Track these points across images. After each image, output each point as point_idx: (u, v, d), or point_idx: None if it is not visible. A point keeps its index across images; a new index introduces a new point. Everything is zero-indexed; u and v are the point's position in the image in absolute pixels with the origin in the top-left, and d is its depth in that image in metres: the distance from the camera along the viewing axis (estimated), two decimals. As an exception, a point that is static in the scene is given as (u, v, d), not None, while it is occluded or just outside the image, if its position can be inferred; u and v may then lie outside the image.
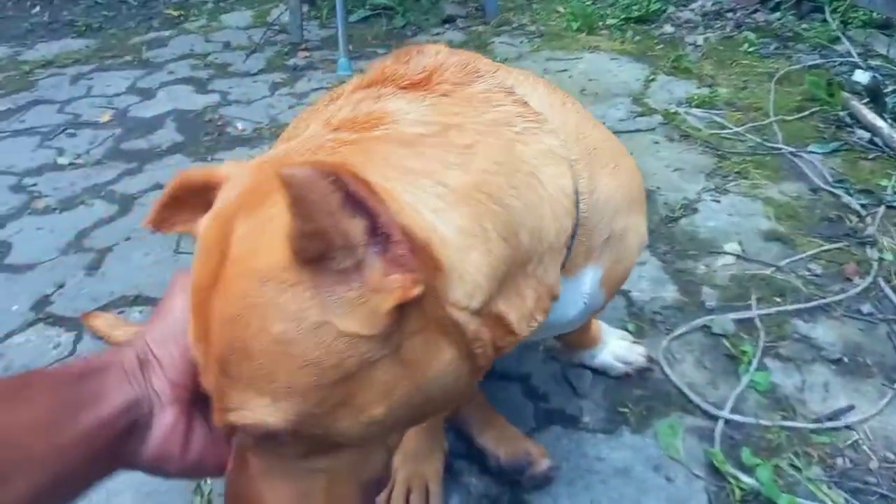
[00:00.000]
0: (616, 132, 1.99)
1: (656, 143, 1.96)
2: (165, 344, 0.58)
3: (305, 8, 3.34)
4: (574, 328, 0.87)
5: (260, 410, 0.49)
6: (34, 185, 2.06)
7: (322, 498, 0.56)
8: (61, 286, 1.58)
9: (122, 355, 0.58)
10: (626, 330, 1.30)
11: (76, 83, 2.90)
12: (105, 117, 2.52)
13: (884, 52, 2.36)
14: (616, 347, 1.22)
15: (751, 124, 2.01)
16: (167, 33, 3.43)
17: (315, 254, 0.44)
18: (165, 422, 0.57)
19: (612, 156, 0.73)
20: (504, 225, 0.55)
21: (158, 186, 1.99)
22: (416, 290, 0.46)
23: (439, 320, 0.51)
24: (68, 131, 2.42)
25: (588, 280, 0.73)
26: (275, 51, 3.06)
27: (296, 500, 0.56)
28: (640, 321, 1.32)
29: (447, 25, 3.17)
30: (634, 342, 1.24)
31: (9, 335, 1.44)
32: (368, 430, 0.52)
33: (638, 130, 2.03)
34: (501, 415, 1.11)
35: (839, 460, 1.04)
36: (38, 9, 4.00)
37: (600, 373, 1.22)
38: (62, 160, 2.20)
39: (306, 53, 2.99)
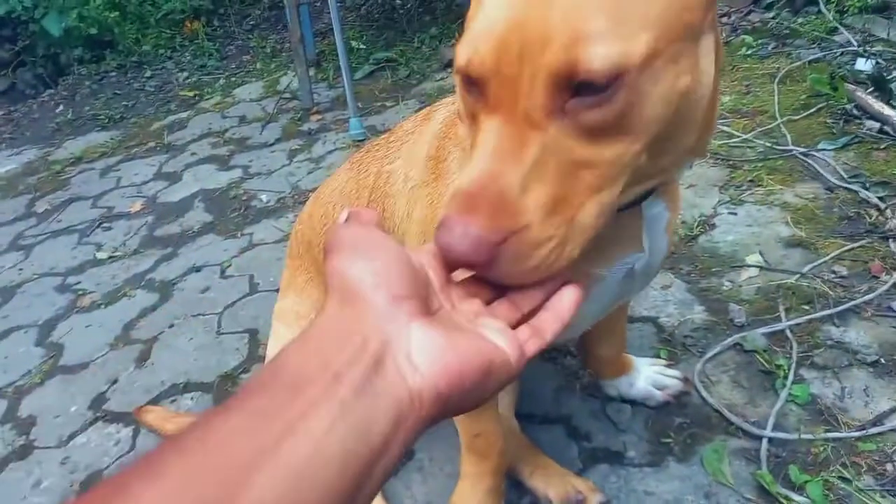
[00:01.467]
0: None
1: (667, 161, 1.98)
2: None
3: (312, 71, 3.46)
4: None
5: (618, 43, 0.48)
6: (78, 283, 2.17)
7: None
8: (115, 382, 1.66)
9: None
10: (658, 356, 1.32)
11: (105, 176, 3.04)
12: (136, 207, 2.64)
13: (884, 35, 2.36)
14: (651, 373, 1.24)
15: (758, 129, 2.02)
16: (185, 115, 3.58)
17: None
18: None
19: None
20: None
21: (195, 269, 2.07)
22: None
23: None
24: (104, 225, 2.54)
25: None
26: (288, 118, 3.17)
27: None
28: (671, 347, 1.34)
29: (449, 70, 3.25)
30: (667, 366, 1.26)
31: (71, 437, 1.52)
32: (653, 123, 0.53)
33: (647, 151, 2.06)
34: (547, 456, 1.14)
35: (889, 466, 1.04)
36: (61, 107, 4.21)
37: (639, 404, 1.24)
38: (101, 254, 2.31)
39: (319, 116, 3.10)
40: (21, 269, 2.33)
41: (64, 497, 1.37)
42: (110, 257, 2.28)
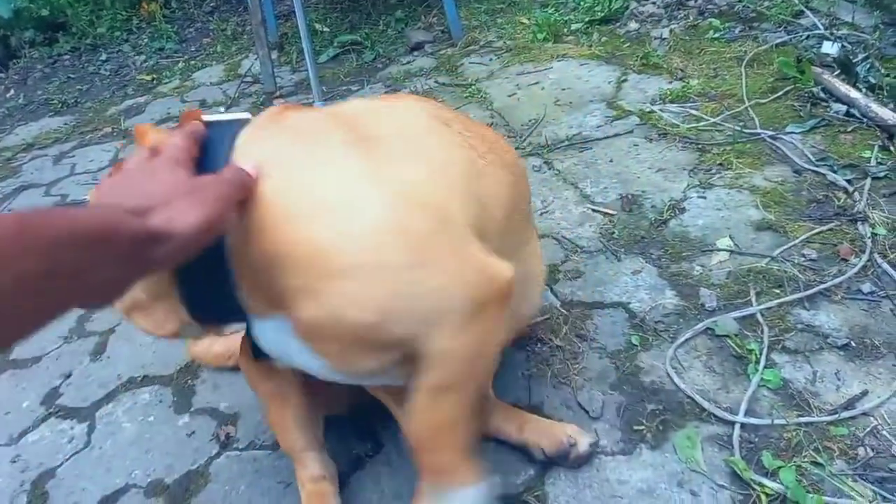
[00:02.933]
0: (594, 140, 2.03)
1: (636, 145, 1.97)
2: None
3: (275, 55, 3.37)
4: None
5: None
6: (30, 274, 2.07)
7: None
8: (69, 376, 1.59)
9: None
10: (631, 343, 1.30)
11: (59, 162, 2.92)
12: (91, 194, 2.53)
13: (849, 19, 2.37)
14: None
15: (727, 112, 2.02)
16: (142, 99, 3.46)
17: None
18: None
19: (295, 215, 0.72)
20: None
21: (152, 259, 2.00)
22: None
23: None
24: None
25: (274, 326, 0.78)
26: (251, 102, 3.08)
27: None
28: (643, 332, 1.32)
29: (416, 53, 3.19)
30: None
31: (22, 434, 1.44)
32: None
33: (616, 135, 2.04)
34: (527, 412, 1.17)
35: (861, 450, 1.03)
36: (12, 92, 4.04)
37: (610, 393, 1.22)
38: (54, 244, 2.21)
39: (282, 101, 3.01)
40: (-32, 261, 2.23)
41: (14, 498, 1.30)
42: (64, 247, 2.18)
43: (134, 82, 3.75)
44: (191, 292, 0.75)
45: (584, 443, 1.08)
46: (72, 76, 4.07)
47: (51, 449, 1.40)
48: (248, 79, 3.34)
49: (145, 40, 4.33)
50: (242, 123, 0.78)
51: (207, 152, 0.74)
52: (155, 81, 3.68)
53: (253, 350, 0.78)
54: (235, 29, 4.20)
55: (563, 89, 2.43)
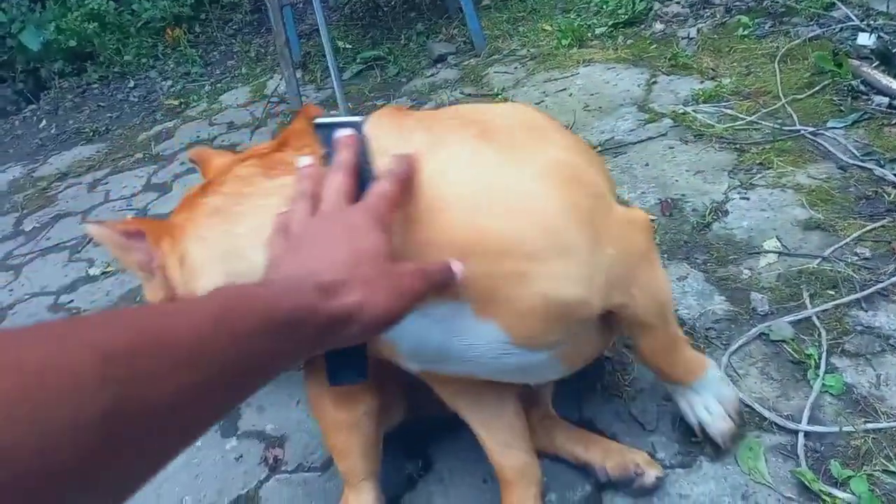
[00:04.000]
0: (627, 144, 2.00)
1: (671, 147, 1.93)
2: None
3: (299, 73, 3.39)
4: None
5: None
6: (71, 301, 2.10)
7: None
8: (114, 403, 1.60)
9: None
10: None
11: (93, 190, 2.97)
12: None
13: (883, 8, 2.31)
14: (706, 401, 1.07)
15: (763, 110, 1.97)
16: (171, 124, 3.51)
17: None
18: None
19: (473, 203, 0.72)
20: None
21: (190, 282, 2.01)
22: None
23: None
24: (94, 241, 2.47)
25: (443, 311, 0.74)
26: (277, 122, 3.10)
27: None
28: (693, 340, 1.29)
29: (439, 65, 3.19)
30: (732, 413, 1.07)
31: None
32: None
33: (650, 139, 2.01)
34: (594, 433, 1.15)
35: (934, 456, 0.99)
36: (44, 122, 4.12)
37: (664, 403, 1.19)
38: (93, 271, 2.24)
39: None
40: (11, 290, 2.26)
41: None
42: (103, 273, 2.21)
43: (162, 107, 3.81)
44: None
45: (650, 475, 1.04)
46: (101, 104, 4.15)
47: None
48: (275, 99, 3.37)
49: (171, 65, 4.40)
50: (357, 125, 0.75)
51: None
52: (183, 106, 3.73)
53: (331, 377, 0.77)
54: (259, 50, 4.25)
55: (592, 94, 2.40)
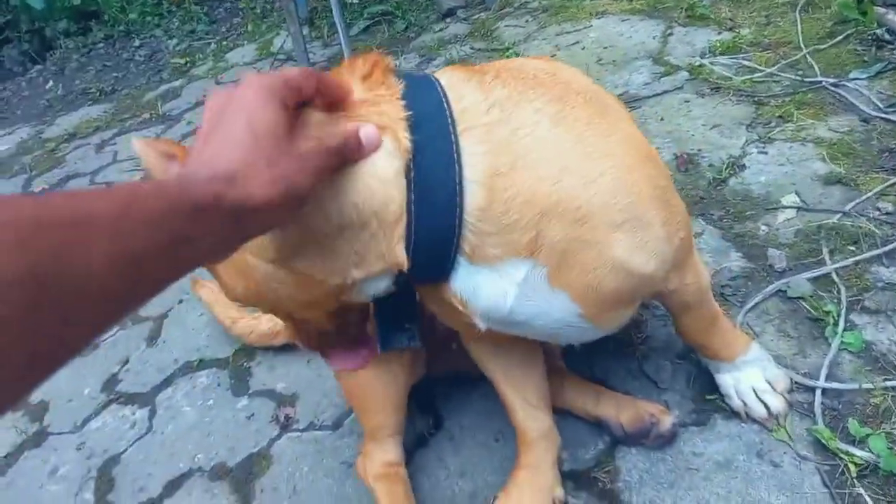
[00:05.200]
0: (642, 98, 1.94)
1: (687, 101, 1.88)
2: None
3: (306, 30, 3.33)
4: (557, 332, 0.83)
5: None
6: (81, 262, 2.09)
7: None
8: (126, 362, 1.60)
9: None
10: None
11: (101, 151, 2.95)
12: (135, 181, 2.55)
13: (910, -46, 2.21)
14: (751, 379, 1.04)
15: (783, 62, 1.91)
16: (178, 83, 3.46)
17: None
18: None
19: (559, 163, 0.69)
20: None
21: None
22: None
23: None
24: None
25: (518, 273, 0.72)
26: (284, 80, 3.05)
27: None
28: (709, 297, 1.26)
29: (448, 20, 3.11)
30: (782, 392, 1.04)
31: (86, 421, 1.47)
32: None
33: (665, 92, 1.95)
34: (605, 386, 1.14)
35: (955, 413, 0.97)
36: (51, 83, 4.09)
37: (678, 361, 1.17)
38: (103, 232, 2.23)
39: (315, 76, 2.97)
40: (22, 252, 2.26)
41: (83, 484, 1.32)
42: (112, 234, 2.20)
43: (168, 67, 3.76)
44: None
45: (667, 421, 1.04)
46: (107, 64, 4.10)
47: (114, 435, 1.41)
48: (281, 56, 3.31)
49: (176, 24, 4.33)
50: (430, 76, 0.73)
51: (415, 104, 0.67)
52: (189, 64, 3.68)
53: (382, 342, 0.76)
54: (265, 6, 4.16)
55: (605, 47, 2.34)
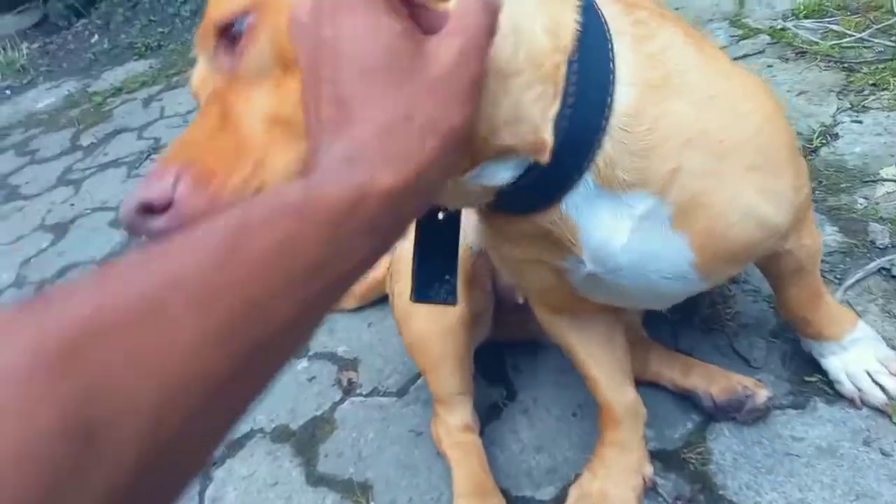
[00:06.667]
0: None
1: (769, 66, 1.77)
2: None
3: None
4: (656, 285, 0.73)
5: None
6: (132, 217, 2.07)
7: None
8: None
9: None
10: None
11: (148, 106, 2.92)
12: (184, 137, 2.52)
13: None
14: (862, 360, 0.97)
15: (875, 27, 1.78)
16: (223, 39, 3.40)
17: None
18: None
19: (709, 91, 0.64)
20: None
21: (251, 200, 1.96)
22: None
23: None
24: (152, 157, 2.43)
25: (641, 207, 0.64)
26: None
27: None
28: (803, 273, 1.18)
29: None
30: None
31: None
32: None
33: (745, 56, 1.84)
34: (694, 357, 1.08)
35: None
36: (96, 37, 4.07)
37: (772, 340, 1.09)
38: (153, 187, 2.21)
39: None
40: (73, 204, 2.25)
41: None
42: (162, 190, 2.17)
43: (214, 23, 3.70)
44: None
45: (762, 395, 0.97)
46: (153, 19, 4.06)
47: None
48: (330, 14, 3.23)
49: (222, -21, 4.26)
50: None
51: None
52: (235, 21, 3.62)
53: (417, 292, 0.69)
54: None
55: (677, 8, 2.22)
